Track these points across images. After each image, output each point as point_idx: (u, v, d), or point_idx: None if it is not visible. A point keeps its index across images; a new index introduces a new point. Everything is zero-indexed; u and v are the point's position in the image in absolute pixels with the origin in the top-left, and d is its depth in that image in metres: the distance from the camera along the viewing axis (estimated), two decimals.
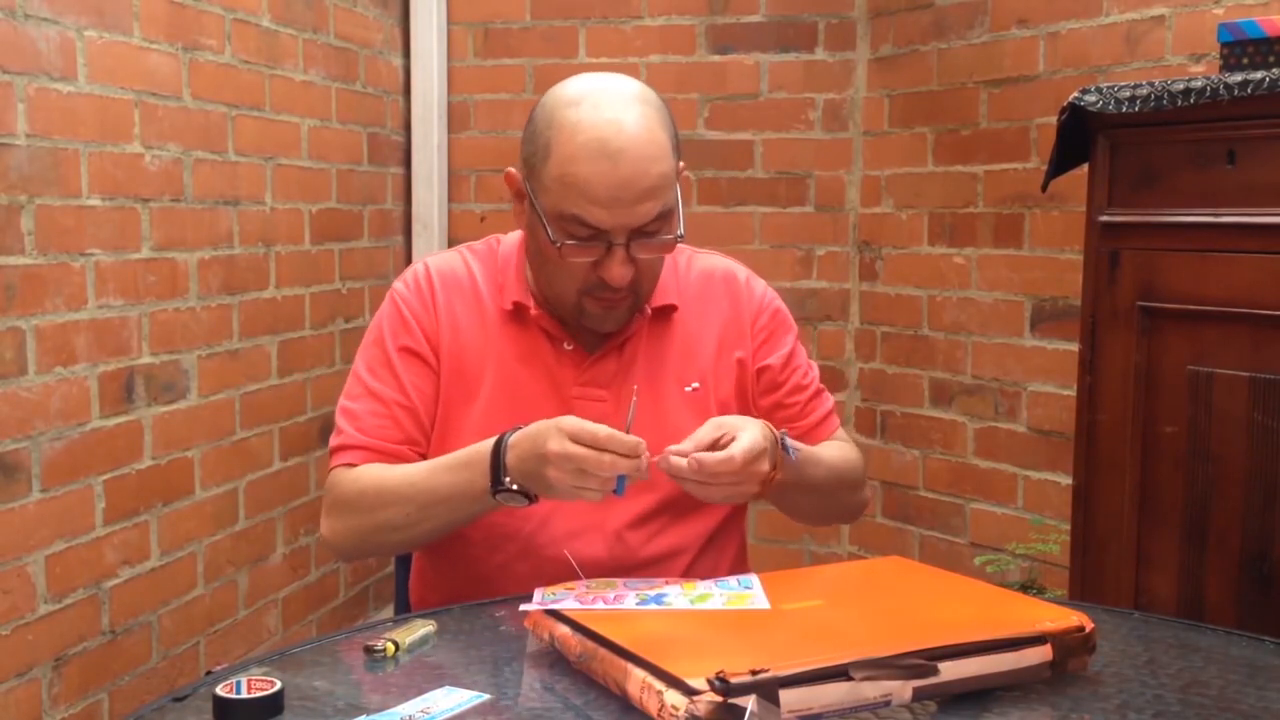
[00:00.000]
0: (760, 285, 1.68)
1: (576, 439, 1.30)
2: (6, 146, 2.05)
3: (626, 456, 1.30)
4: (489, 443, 1.41)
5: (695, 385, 1.58)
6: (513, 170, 1.53)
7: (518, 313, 1.57)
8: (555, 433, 1.32)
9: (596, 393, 1.55)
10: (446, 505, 1.45)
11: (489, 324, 1.57)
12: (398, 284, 1.62)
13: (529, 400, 1.53)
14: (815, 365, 1.70)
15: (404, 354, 1.55)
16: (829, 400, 1.68)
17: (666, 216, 1.46)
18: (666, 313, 1.60)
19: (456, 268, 1.61)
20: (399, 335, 1.57)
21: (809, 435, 1.61)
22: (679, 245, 1.54)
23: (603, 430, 1.30)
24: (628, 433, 1.32)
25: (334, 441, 1.56)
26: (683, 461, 1.33)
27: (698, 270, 1.65)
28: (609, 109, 1.43)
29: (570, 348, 1.56)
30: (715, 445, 1.35)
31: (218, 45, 2.63)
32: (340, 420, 1.56)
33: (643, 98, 1.46)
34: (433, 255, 1.66)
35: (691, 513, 1.56)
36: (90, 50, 2.23)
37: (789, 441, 1.42)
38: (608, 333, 1.56)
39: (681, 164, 1.50)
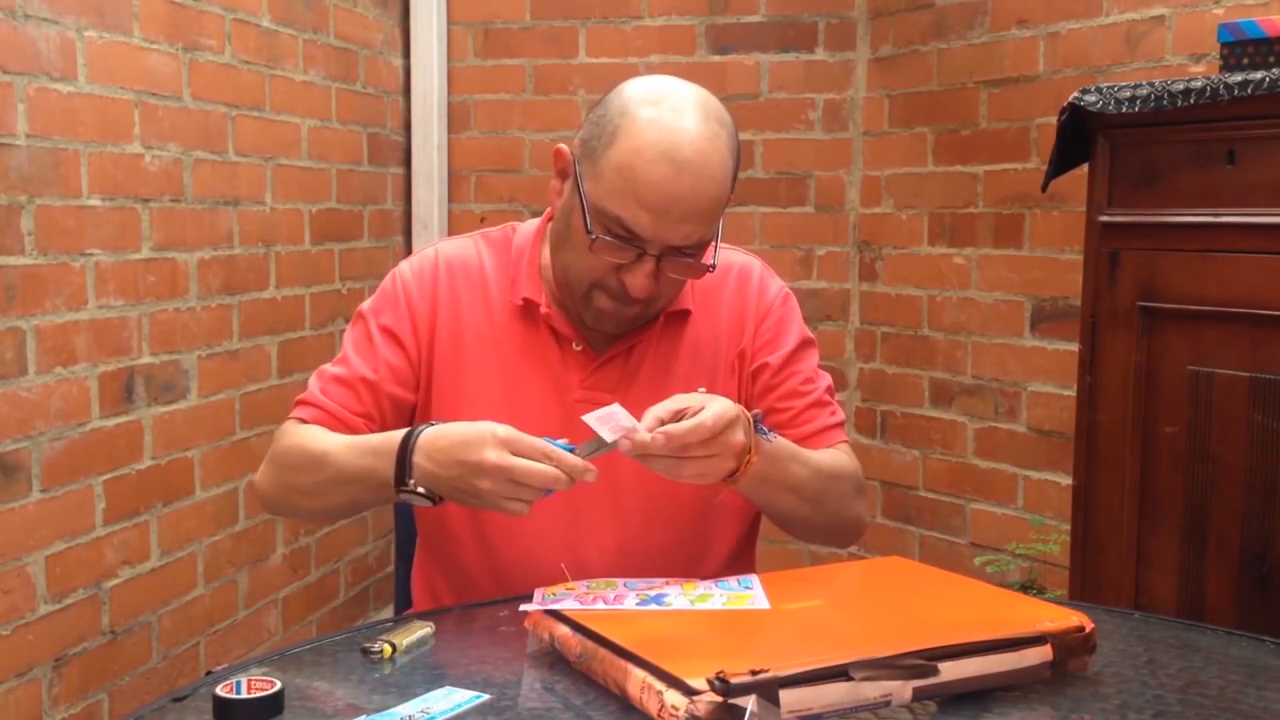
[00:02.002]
0: (775, 285, 1.63)
1: (517, 452, 1.27)
2: (6, 146, 2.05)
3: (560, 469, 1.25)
4: (400, 435, 1.37)
5: (702, 389, 1.49)
6: (564, 147, 1.47)
7: (527, 309, 1.53)
8: (492, 443, 1.27)
9: (601, 396, 1.48)
10: (353, 486, 1.42)
11: (495, 318, 1.54)
12: (403, 265, 1.59)
13: (530, 401, 1.50)
14: (826, 377, 1.60)
15: (384, 334, 1.54)
16: (834, 415, 1.58)
17: (705, 244, 1.43)
18: (680, 317, 1.55)
19: (468, 257, 1.58)
20: (383, 314, 1.55)
21: (801, 446, 1.50)
22: None
23: (541, 444, 1.27)
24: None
25: (298, 396, 1.55)
26: (648, 437, 1.26)
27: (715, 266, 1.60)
28: (688, 118, 1.38)
29: (579, 349, 1.52)
30: (678, 419, 1.29)
31: (218, 45, 2.63)
32: (311, 379, 1.55)
33: (720, 119, 1.42)
34: (445, 241, 1.62)
35: (701, 523, 1.53)
36: (90, 50, 2.23)
37: (763, 427, 1.36)
38: (616, 333, 1.52)
39: (732, 196, 1.46)
